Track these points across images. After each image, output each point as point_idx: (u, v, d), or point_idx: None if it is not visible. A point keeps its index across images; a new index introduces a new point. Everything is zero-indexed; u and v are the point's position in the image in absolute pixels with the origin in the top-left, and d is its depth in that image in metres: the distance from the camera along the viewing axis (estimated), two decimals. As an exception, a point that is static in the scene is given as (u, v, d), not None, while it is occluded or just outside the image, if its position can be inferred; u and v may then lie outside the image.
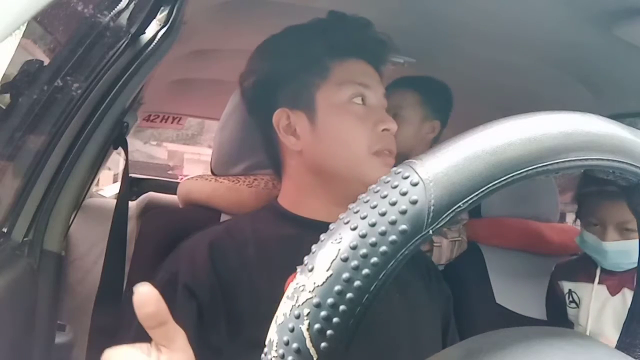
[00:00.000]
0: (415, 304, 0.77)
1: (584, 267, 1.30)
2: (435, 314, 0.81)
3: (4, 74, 0.75)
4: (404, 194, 0.27)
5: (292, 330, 0.27)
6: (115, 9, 0.86)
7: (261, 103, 0.82)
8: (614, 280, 1.21)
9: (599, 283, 1.23)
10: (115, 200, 1.19)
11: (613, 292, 1.21)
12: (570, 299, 1.28)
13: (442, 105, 1.33)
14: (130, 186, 1.86)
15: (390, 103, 1.33)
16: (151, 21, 0.93)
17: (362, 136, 0.74)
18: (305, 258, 0.29)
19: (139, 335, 0.64)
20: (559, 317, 1.31)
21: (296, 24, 0.81)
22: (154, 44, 0.93)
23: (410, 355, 0.72)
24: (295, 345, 0.27)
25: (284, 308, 0.28)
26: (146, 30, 0.94)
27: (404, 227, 0.27)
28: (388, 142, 0.76)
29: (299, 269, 0.29)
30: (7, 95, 0.81)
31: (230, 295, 0.69)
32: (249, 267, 0.71)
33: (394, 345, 0.71)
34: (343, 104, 0.76)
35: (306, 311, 0.27)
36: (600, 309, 1.21)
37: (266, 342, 0.29)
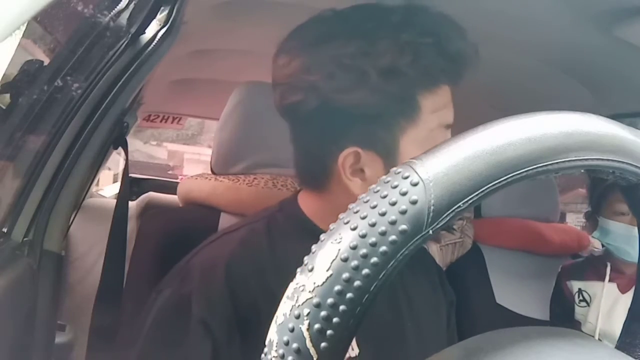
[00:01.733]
0: (420, 306, 0.76)
1: (593, 266, 1.30)
2: (440, 317, 0.80)
3: (4, 74, 0.75)
4: (404, 194, 0.27)
5: (292, 330, 0.27)
6: (115, 9, 0.86)
7: (317, 129, 0.65)
8: (624, 278, 1.22)
9: (609, 281, 1.23)
10: (115, 200, 1.19)
11: (623, 290, 1.21)
12: (580, 297, 1.28)
13: None
14: (130, 186, 1.86)
15: None
16: (151, 21, 0.93)
17: None
18: (305, 258, 0.29)
19: (147, 348, 0.62)
20: (564, 318, 1.31)
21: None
22: (154, 44, 0.93)
23: (414, 357, 0.72)
24: (295, 345, 0.27)
25: (284, 308, 0.28)
26: (146, 30, 0.94)
27: (404, 227, 0.27)
28: None
29: (299, 269, 0.29)
30: (7, 95, 0.81)
31: (249, 330, 0.60)
32: (269, 296, 0.59)
33: (399, 346, 0.71)
34: (427, 136, 0.62)
35: (306, 311, 0.27)
36: (611, 307, 1.22)
37: (266, 342, 0.29)
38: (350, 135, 0.62)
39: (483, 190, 0.27)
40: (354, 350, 0.64)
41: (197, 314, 0.60)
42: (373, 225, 0.27)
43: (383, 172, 0.62)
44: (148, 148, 9.51)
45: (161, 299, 0.63)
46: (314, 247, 0.29)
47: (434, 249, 1.28)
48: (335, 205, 0.63)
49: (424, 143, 0.61)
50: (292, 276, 0.69)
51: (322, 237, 0.29)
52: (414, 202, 0.27)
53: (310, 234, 0.67)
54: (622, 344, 0.38)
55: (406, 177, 0.28)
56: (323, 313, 0.26)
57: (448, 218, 0.27)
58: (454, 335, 0.85)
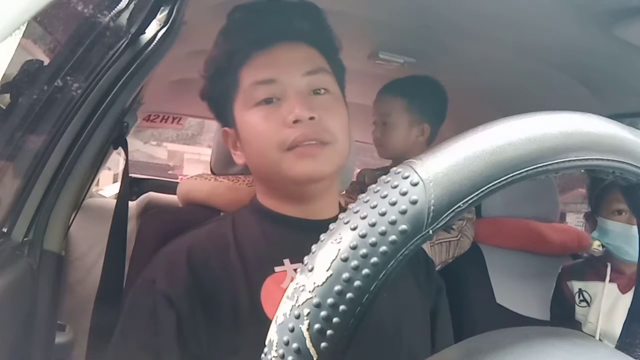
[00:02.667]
0: (401, 297, 0.75)
1: (594, 266, 1.31)
2: (423, 308, 0.80)
3: (4, 74, 0.75)
4: (404, 194, 0.27)
5: (292, 330, 0.27)
6: (115, 9, 0.86)
7: (219, 122, 0.84)
8: (625, 278, 1.22)
9: (609, 281, 1.23)
10: (115, 200, 1.19)
11: (624, 290, 1.21)
12: (581, 297, 1.29)
13: (431, 107, 1.33)
14: (130, 186, 1.86)
15: (379, 110, 1.34)
16: (151, 21, 0.93)
17: (271, 135, 0.70)
18: (305, 258, 0.29)
19: (122, 327, 0.66)
20: (564, 318, 1.31)
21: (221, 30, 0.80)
22: (154, 44, 0.93)
23: (394, 350, 0.72)
24: (295, 345, 0.27)
25: (284, 308, 0.28)
26: (146, 30, 0.94)
27: (404, 227, 0.27)
28: (303, 133, 0.68)
29: (299, 269, 0.29)
30: (7, 95, 0.81)
31: (210, 303, 0.67)
32: (230, 273, 0.70)
33: (378, 339, 0.71)
34: (252, 109, 0.72)
35: (306, 311, 0.27)
36: (612, 307, 1.22)
37: (266, 342, 0.29)
38: (223, 118, 0.79)
39: (483, 190, 0.27)
40: None
41: (160, 290, 0.67)
42: (373, 225, 0.27)
43: (239, 142, 0.75)
44: (148, 148, 9.51)
45: (133, 286, 0.72)
46: (314, 247, 0.29)
47: (425, 245, 1.28)
48: (273, 188, 0.75)
49: (249, 116, 0.72)
50: (251, 255, 0.71)
51: (322, 237, 0.29)
52: (414, 202, 0.27)
53: (264, 216, 0.76)
54: (622, 344, 0.38)
55: (406, 177, 0.28)
56: (323, 313, 0.26)
57: (448, 218, 0.27)
58: (447, 322, 0.84)
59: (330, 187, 0.75)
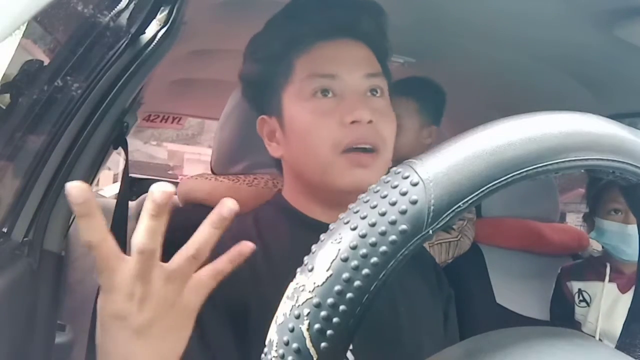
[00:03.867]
0: (417, 305, 0.75)
1: (593, 267, 1.31)
2: (437, 315, 0.80)
3: (4, 74, 0.75)
4: (404, 193, 0.27)
5: (292, 330, 0.27)
6: (115, 9, 0.87)
7: (253, 107, 0.78)
8: (624, 278, 1.22)
9: (609, 281, 1.24)
10: (115, 200, 1.19)
11: (623, 290, 1.22)
12: (580, 297, 1.29)
13: (438, 110, 1.33)
14: (130, 186, 1.86)
15: None
16: (151, 21, 0.93)
17: (326, 133, 0.65)
18: (305, 258, 0.29)
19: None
20: (564, 318, 1.32)
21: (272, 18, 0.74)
22: (154, 44, 0.93)
23: (411, 356, 0.72)
24: (295, 345, 0.27)
25: (284, 308, 0.28)
26: (146, 30, 0.94)
27: (404, 227, 0.27)
28: (360, 136, 0.65)
29: (299, 269, 0.29)
30: (7, 95, 0.81)
31: (240, 313, 0.63)
32: (256, 276, 0.65)
33: (395, 345, 0.71)
34: (305, 102, 0.67)
35: (306, 311, 0.27)
36: (611, 307, 1.22)
37: (266, 342, 0.29)
38: (262, 105, 0.74)
39: (483, 190, 0.27)
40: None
41: None
42: (373, 225, 0.27)
43: (282, 133, 0.70)
44: (148, 148, 9.51)
45: None
46: (314, 247, 0.29)
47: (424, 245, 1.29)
48: (290, 183, 0.73)
49: (303, 108, 0.68)
50: (279, 259, 0.66)
51: (322, 237, 0.29)
52: (414, 202, 0.27)
53: (289, 216, 0.72)
54: (622, 344, 0.38)
55: (406, 177, 0.28)
56: (323, 313, 0.26)
57: (448, 218, 0.27)
58: (455, 330, 0.84)
59: None
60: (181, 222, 0.93)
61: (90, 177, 1.28)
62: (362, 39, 0.71)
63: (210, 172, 1.02)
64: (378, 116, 0.67)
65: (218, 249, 0.67)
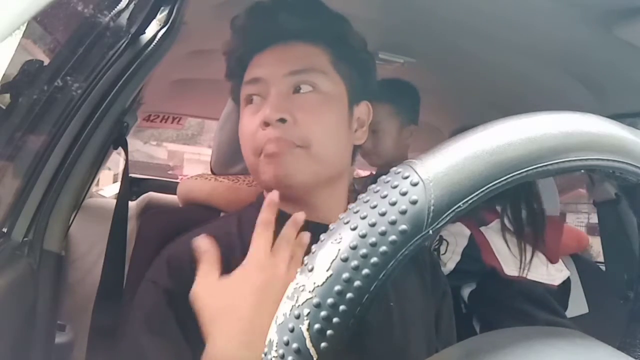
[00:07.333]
0: (407, 301, 0.75)
1: None
2: (428, 312, 0.79)
3: (4, 74, 0.75)
4: (404, 194, 0.27)
5: (292, 330, 0.27)
6: (115, 9, 0.87)
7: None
8: None
9: None
10: (115, 200, 1.19)
11: None
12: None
13: (415, 108, 1.34)
14: (130, 186, 1.86)
15: None
16: (151, 21, 0.93)
17: (248, 139, 0.70)
18: (305, 258, 0.29)
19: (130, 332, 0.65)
20: None
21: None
22: (154, 44, 0.93)
23: (400, 352, 0.71)
24: (295, 345, 0.27)
25: (284, 308, 0.28)
26: (146, 30, 0.94)
27: (404, 227, 0.26)
28: (269, 138, 0.66)
29: (299, 269, 0.29)
30: (7, 95, 0.81)
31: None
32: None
33: (385, 341, 0.71)
34: (244, 107, 0.73)
35: (306, 311, 0.27)
36: None
37: (266, 342, 0.28)
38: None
39: (483, 190, 0.27)
40: None
41: (162, 290, 0.66)
42: (373, 225, 0.27)
43: None
44: (148, 148, 9.51)
45: (138, 289, 0.70)
46: (314, 247, 0.29)
47: None
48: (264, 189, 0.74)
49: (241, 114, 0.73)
50: None
51: (322, 237, 0.29)
52: (414, 202, 0.27)
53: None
54: (623, 344, 0.38)
55: (406, 177, 0.28)
56: (323, 313, 0.26)
57: (448, 218, 0.27)
58: (450, 328, 0.84)
59: (335, 192, 0.72)
60: (181, 222, 0.94)
61: (90, 177, 1.28)
62: (299, 38, 0.72)
63: (210, 173, 1.02)
64: (298, 113, 0.67)
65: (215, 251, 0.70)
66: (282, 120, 0.66)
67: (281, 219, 0.69)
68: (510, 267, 1.15)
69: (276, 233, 0.70)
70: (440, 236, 1.20)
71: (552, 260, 1.23)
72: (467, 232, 1.18)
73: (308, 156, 0.67)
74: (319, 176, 0.69)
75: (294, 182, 0.68)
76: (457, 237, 1.18)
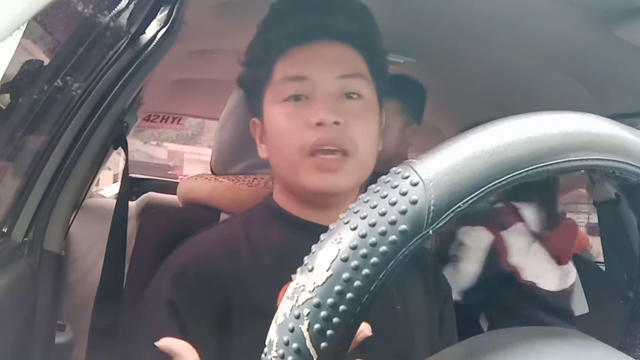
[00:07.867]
0: (411, 304, 0.75)
1: None
2: (431, 315, 0.79)
3: (4, 74, 0.75)
4: (404, 194, 0.27)
5: (292, 330, 0.27)
6: (115, 9, 0.87)
7: (249, 110, 0.81)
8: None
9: None
10: (115, 200, 1.19)
11: None
12: None
13: (420, 107, 1.33)
14: (130, 186, 1.86)
15: None
16: (151, 21, 0.93)
17: (294, 135, 0.67)
18: (305, 258, 0.29)
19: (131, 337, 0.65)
20: None
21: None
22: (154, 44, 0.93)
23: (404, 354, 0.71)
24: (295, 345, 0.27)
25: (284, 308, 0.28)
26: (146, 30, 0.94)
27: (404, 227, 0.26)
28: (326, 137, 0.65)
29: (298, 269, 0.29)
30: (7, 95, 0.82)
31: (221, 312, 0.65)
32: (242, 281, 0.67)
33: (389, 343, 0.70)
34: (279, 104, 0.69)
35: (306, 311, 0.27)
36: None
37: (266, 342, 0.28)
38: (254, 109, 0.75)
39: (483, 190, 0.27)
40: None
41: (164, 295, 0.65)
42: (373, 225, 0.27)
43: (264, 135, 0.73)
44: (148, 148, 9.51)
45: (142, 299, 0.69)
46: (314, 247, 0.29)
47: None
48: (291, 190, 0.72)
49: (275, 112, 0.70)
50: (267, 260, 0.68)
51: (322, 237, 0.29)
52: (414, 202, 0.27)
53: (279, 218, 0.73)
54: (623, 344, 0.38)
55: (406, 177, 0.28)
56: (323, 313, 0.26)
57: (448, 218, 0.27)
58: (452, 331, 0.84)
59: (352, 195, 0.71)
60: (181, 222, 0.94)
61: (90, 177, 1.28)
62: (342, 39, 0.71)
63: (210, 172, 1.02)
64: (349, 117, 0.67)
65: (213, 250, 0.69)
66: (336, 123, 0.66)
67: (304, 226, 0.70)
68: (527, 272, 1.15)
69: (286, 236, 0.70)
70: (460, 240, 1.20)
71: (564, 261, 1.23)
72: (490, 236, 1.18)
73: (355, 163, 0.67)
74: (359, 183, 0.70)
75: (338, 190, 0.68)
76: (478, 241, 1.18)
